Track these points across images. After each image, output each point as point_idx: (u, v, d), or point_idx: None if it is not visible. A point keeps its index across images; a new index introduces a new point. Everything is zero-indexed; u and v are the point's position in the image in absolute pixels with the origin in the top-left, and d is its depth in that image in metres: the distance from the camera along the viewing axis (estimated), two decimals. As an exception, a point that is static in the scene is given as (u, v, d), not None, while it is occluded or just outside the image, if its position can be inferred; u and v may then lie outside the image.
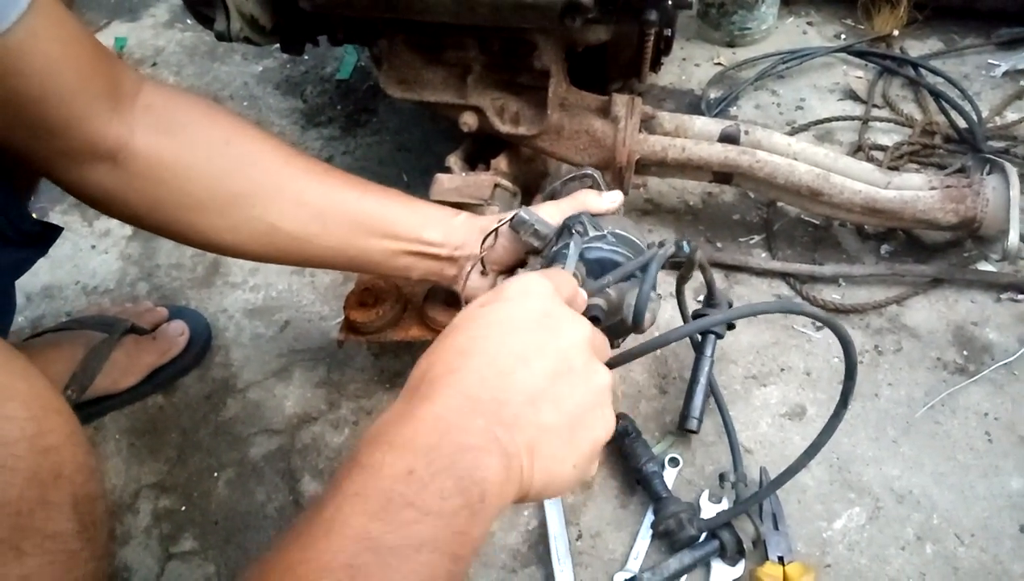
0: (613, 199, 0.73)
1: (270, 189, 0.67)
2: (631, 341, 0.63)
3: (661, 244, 0.62)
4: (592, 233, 0.65)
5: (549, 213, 0.71)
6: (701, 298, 0.93)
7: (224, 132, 0.66)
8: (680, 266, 0.76)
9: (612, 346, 0.71)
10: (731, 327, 0.89)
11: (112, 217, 0.68)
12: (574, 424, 0.44)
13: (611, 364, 0.58)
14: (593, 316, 0.60)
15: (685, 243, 0.64)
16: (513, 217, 0.70)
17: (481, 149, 1.01)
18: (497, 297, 0.47)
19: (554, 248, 0.66)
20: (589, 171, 0.80)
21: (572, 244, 0.63)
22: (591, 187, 0.78)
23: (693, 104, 1.27)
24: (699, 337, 0.85)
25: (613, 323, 0.62)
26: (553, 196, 0.77)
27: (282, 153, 0.69)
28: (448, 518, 0.36)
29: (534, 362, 0.43)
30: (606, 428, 0.46)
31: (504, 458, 0.39)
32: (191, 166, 0.64)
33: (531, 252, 0.71)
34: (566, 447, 0.43)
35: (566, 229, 0.67)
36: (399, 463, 0.36)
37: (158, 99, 0.64)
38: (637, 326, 0.59)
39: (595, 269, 0.63)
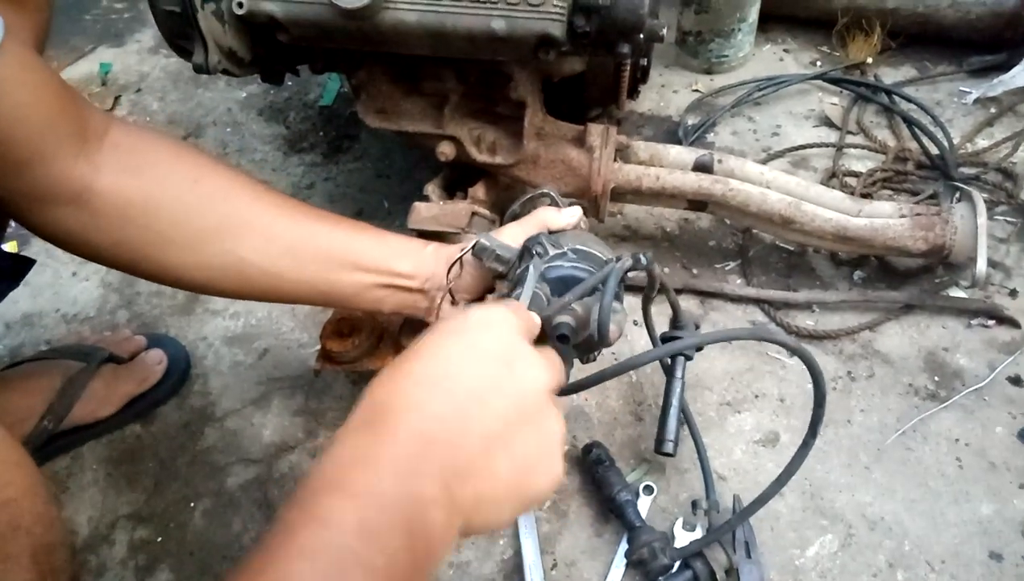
0: (572, 214, 0.74)
1: (239, 224, 0.67)
2: (597, 365, 0.63)
3: (619, 258, 0.63)
4: (552, 252, 0.65)
5: (512, 235, 0.71)
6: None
7: (192, 170, 0.67)
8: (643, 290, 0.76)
9: (587, 361, 0.72)
10: (699, 348, 0.89)
11: (80, 257, 0.68)
12: (522, 473, 0.43)
13: (574, 389, 0.59)
14: (562, 335, 0.61)
15: (642, 255, 0.63)
16: (474, 245, 0.70)
17: (459, 177, 1.03)
18: (459, 326, 0.46)
19: (517, 271, 0.66)
20: (546, 189, 0.80)
21: (531, 266, 0.63)
22: (550, 205, 0.78)
23: (671, 130, 1.29)
24: (668, 360, 0.85)
25: (584, 339, 0.62)
26: (514, 218, 0.78)
27: (251, 189, 0.69)
28: (394, 575, 0.36)
29: (493, 402, 0.43)
30: (552, 479, 0.45)
31: (451, 510, 0.39)
32: (159, 204, 0.64)
33: (498, 277, 0.72)
34: (510, 495, 0.43)
35: (527, 251, 0.67)
36: (352, 515, 0.36)
37: (125, 139, 0.64)
38: (603, 339, 0.59)
39: (558, 287, 0.63)
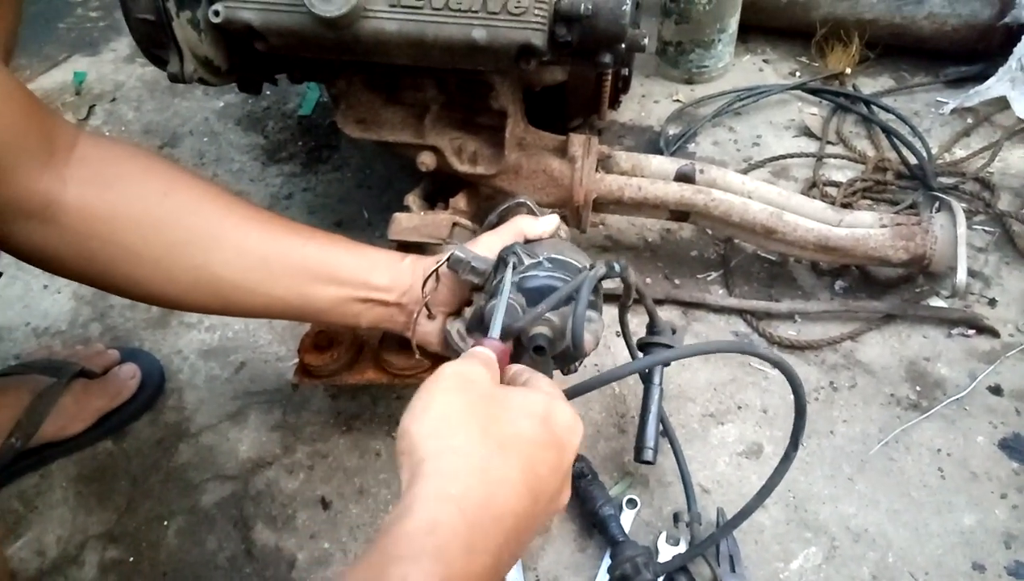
0: (549, 222, 0.73)
1: (210, 238, 0.66)
2: (579, 377, 0.63)
3: (592, 266, 0.62)
4: (527, 261, 0.64)
5: (488, 245, 0.70)
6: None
7: (162, 183, 0.65)
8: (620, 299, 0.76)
9: (567, 372, 0.71)
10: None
11: (48, 272, 0.66)
12: (548, 511, 0.47)
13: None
14: (538, 346, 0.60)
15: (616, 263, 0.63)
16: (449, 257, 0.69)
17: (440, 188, 1.02)
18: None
19: (493, 282, 0.65)
20: (522, 199, 0.80)
21: (504, 279, 0.62)
22: (527, 213, 0.77)
23: (652, 140, 1.29)
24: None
25: (562, 350, 0.61)
26: (491, 228, 0.77)
27: (222, 202, 0.68)
28: None
29: (523, 468, 0.43)
30: (563, 503, 0.49)
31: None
32: (127, 218, 0.62)
33: (475, 289, 0.71)
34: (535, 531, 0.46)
35: (502, 262, 0.66)
36: None
37: (94, 152, 0.62)
38: (577, 349, 0.58)
39: (535, 297, 0.62)
